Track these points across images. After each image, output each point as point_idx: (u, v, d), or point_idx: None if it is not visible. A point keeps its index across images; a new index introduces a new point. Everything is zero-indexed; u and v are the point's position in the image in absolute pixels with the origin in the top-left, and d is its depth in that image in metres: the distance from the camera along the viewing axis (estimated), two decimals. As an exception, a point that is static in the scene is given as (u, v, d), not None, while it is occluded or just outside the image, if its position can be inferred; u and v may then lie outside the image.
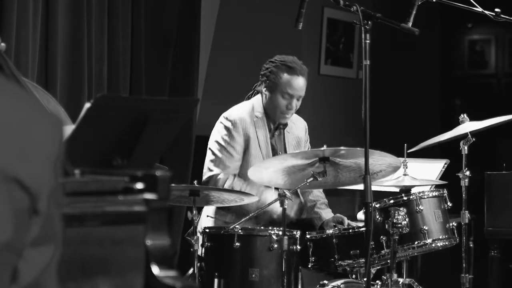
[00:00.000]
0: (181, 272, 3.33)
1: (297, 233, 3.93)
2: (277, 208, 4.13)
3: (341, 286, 3.96)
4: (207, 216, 4.46)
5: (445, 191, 4.13)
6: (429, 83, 7.80)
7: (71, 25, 4.80)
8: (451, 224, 4.07)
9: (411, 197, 4.01)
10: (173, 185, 3.76)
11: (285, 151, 4.57)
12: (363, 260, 3.83)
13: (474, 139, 4.25)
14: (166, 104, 2.80)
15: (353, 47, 7.15)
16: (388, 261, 3.91)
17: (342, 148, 3.89)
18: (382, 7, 6.43)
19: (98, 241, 2.13)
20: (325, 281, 4.02)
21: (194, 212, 3.92)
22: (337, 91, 7.07)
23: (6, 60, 3.00)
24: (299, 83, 4.51)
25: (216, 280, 3.89)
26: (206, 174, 4.49)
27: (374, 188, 3.65)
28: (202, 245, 3.94)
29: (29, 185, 1.33)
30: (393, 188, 4.40)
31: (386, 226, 3.87)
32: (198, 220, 4.23)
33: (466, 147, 4.26)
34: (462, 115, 4.37)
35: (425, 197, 4.04)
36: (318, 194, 4.66)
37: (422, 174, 4.44)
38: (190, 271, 3.96)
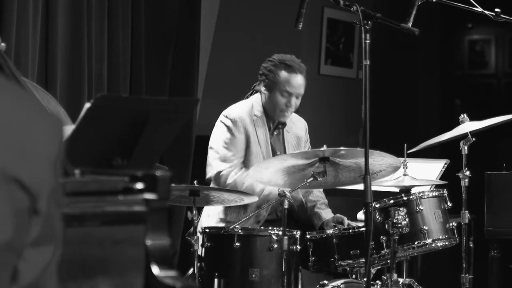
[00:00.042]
0: (181, 272, 3.33)
1: (297, 233, 3.93)
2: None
3: (341, 286, 3.96)
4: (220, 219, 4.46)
5: (445, 191, 4.13)
6: (429, 83, 7.80)
7: (71, 25, 4.80)
8: (451, 224, 4.07)
9: (411, 197, 4.01)
10: (173, 185, 3.76)
11: (284, 151, 4.57)
12: (363, 260, 3.83)
13: (474, 139, 4.25)
14: (166, 104, 2.80)
15: (353, 47, 7.15)
16: (388, 261, 3.91)
17: (342, 148, 3.89)
18: (382, 7, 6.43)
19: (98, 241, 2.13)
20: (325, 281, 4.02)
21: (194, 212, 3.92)
22: (337, 91, 7.07)
23: (6, 60, 3.00)
24: (298, 81, 4.51)
25: (216, 280, 3.89)
26: (211, 172, 4.47)
27: (374, 188, 3.65)
28: (202, 245, 3.94)
29: (29, 185, 1.33)
30: (393, 188, 4.40)
31: (386, 226, 3.87)
32: (198, 220, 4.23)
33: (466, 147, 4.26)
34: (462, 115, 4.37)
35: (425, 197, 4.04)
36: (318, 194, 4.66)
37: (422, 174, 4.44)
38: (190, 271, 3.96)
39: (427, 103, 7.78)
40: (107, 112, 2.44)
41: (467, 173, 4.23)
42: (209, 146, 4.55)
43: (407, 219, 3.89)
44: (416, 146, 4.46)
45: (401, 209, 3.90)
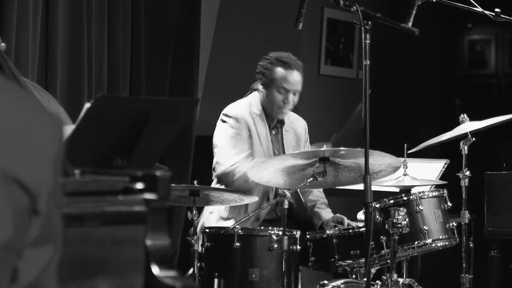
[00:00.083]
0: (181, 272, 3.33)
1: (297, 233, 3.93)
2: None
3: (341, 286, 3.96)
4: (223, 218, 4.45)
5: (445, 191, 4.13)
6: (429, 83, 7.80)
7: (71, 25, 4.80)
8: (451, 224, 4.07)
9: (411, 197, 4.01)
10: (173, 185, 3.76)
11: (283, 151, 4.57)
12: (363, 260, 3.83)
13: (474, 139, 4.25)
14: (166, 104, 2.80)
15: (353, 47, 7.15)
16: (388, 261, 3.91)
17: (342, 148, 3.89)
18: (382, 7, 6.43)
19: (98, 241, 2.13)
20: (325, 281, 4.02)
21: (194, 212, 3.92)
22: (337, 91, 7.07)
23: (6, 60, 3.00)
24: (295, 77, 4.52)
25: (216, 280, 3.88)
26: (220, 168, 4.44)
27: (374, 188, 3.65)
28: (202, 245, 3.94)
29: (29, 185, 1.33)
30: (393, 188, 4.40)
31: (386, 226, 3.87)
32: (199, 220, 4.23)
33: (466, 147, 4.26)
34: (462, 115, 4.37)
35: (425, 197, 4.04)
36: (318, 194, 4.66)
37: (422, 174, 4.44)
38: (190, 271, 3.96)
39: (427, 103, 7.78)
40: (107, 112, 2.44)
41: (467, 173, 4.23)
42: (213, 145, 4.54)
43: (407, 219, 3.89)
44: (416, 146, 4.46)
45: (401, 209, 3.90)
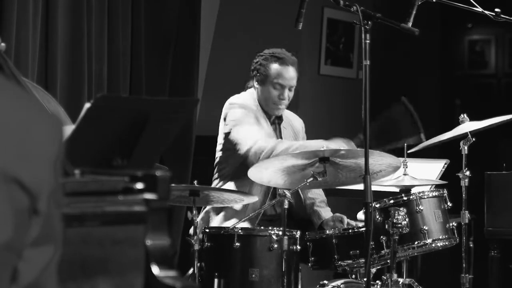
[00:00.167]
0: (181, 272, 3.33)
1: (297, 233, 3.93)
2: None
3: (341, 286, 3.96)
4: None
5: (445, 191, 4.13)
6: (429, 83, 7.80)
7: (71, 25, 4.80)
8: (451, 224, 4.07)
9: (411, 197, 4.01)
10: (173, 185, 3.76)
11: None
12: (363, 260, 3.83)
13: (474, 139, 4.25)
14: (166, 104, 2.80)
15: (353, 47, 7.15)
16: (388, 261, 3.91)
17: (342, 148, 3.89)
18: (382, 7, 6.43)
19: (98, 241, 2.13)
20: (325, 281, 4.02)
21: (194, 212, 3.93)
22: (337, 91, 7.07)
23: (6, 60, 3.00)
24: (290, 73, 4.52)
25: (216, 280, 3.89)
26: (245, 147, 4.39)
27: (374, 188, 3.65)
28: (202, 245, 3.94)
29: (29, 185, 1.33)
30: (393, 188, 4.40)
31: (386, 226, 3.87)
32: (197, 220, 4.23)
33: (466, 147, 4.26)
34: (462, 115, 4.37)
35: (425, 197, 4.04)
36: (316, 192, 4.67)
37: (422, 174, 4.44)
38: (190, 271, 3.96)
39: (427, 103, 7.77)
40: (107, 112, 2.44)
41: (467, 173, 4.23)
42: (226, 131, 4.48)
43: (407, 219, 3.89)
44: (417, 146, 4.46)
45: (401, 209, 3.90)
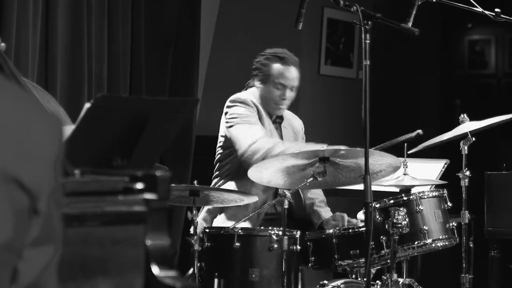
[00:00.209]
0: (181, 272, 3.33)
1: (297, 233, 3.93)
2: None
3: (341, 286, 3.96)
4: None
5: (445, 191, 4.13)
6: (429, 83, 7.80)
7: (71, 25, 4.80)
8: (451, 224, 4.07)
9: (411, 197, 4.01)
10: (173, 185, 3.76)
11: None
12: (363, 260, 3.83)
13: (474, 139, 4.25)
14: (166, 104, 2.80)
15: (353, 47, 7.15)
16: (388, 261, 3.91)
17: (342, 148, 3.89)
18: (382, 7, 6.43)
19: (98, 241, 2.13)
20: (325, 281, 4.01)
21: (194, 212, 3.93)
22: (337, 91, 7.07)
23: (6, 60, 3.00)
24: (292, 73, 4.52)
25: (216, 280, 3.88)
26: (243, 146, 4.37)
27: (374, 188, 3.65)
28: (202, 245, 3.93)
29: (29, 185, 1.33)
30: (393, 188, 4.40)
31: (386, 226, 3.87)
32: (197, 220, 4.23)
33: (466, 147, 4.26)
34: (462, 115, 4.37)
35: (425, 197, 4.04)
36: (316, 192, 4.66)
37: (422, 174, 4.44)
38: (190, 271, 3.96)
39: (427, 103, 7.78)
40: (107, 112, 2.44)
41: (467, 173, 4.23)
42: (227, 126, 4.48)
43: (407, 219, 3.89)
44: (416, 146, 4.46)
45: (401, 209, 3.89)
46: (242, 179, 4.36)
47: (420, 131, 4.47)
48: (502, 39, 7.93)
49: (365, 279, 3.61)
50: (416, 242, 3.97)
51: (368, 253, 3.48)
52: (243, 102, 4.47)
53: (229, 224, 4.32)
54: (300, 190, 4.56)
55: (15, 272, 1.35)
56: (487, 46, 7.99)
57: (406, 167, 4.09)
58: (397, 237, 3.84)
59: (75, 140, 2.35)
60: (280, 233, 3.87)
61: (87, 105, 2.37)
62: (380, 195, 4.20)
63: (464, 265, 4.28)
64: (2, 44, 3.00)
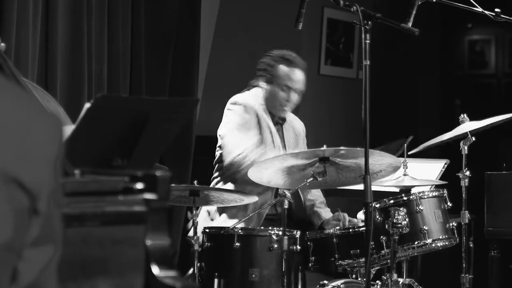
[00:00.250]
0: (181, 272, 3.33)
1: (297, 233, 3.93)
2: None
3: (341, 286, 3.96)
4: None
5: (445, 191, 4.13)
6: (429, 83, 7.80)
7: (71, 25, 4.80)
8: (451, 224, 4.07)
9: (411, 197, 4.01)
10: (173, 185, 3.76)
11: (284, 147, 4.57)
12: (363, 260, 3.83)
13: (474, 139, 4.25)
14: (166, 104, 2.80)
15: (353, 47, 7.15)
16: (388, 261, 3.91)
17: (342, 148, 3.89)
18: (382, 7, 6.43)
19: (98, 241, 2.13)
20: (325, 281, 4.01)
21: (194, 212, 3.92)
22: (337, 91, 7.07)
23: (6, 60, 3.00)
24: (298, 76, 4.52)
25: (216, 280, 3.88)
26: (229, 157, 4.41)
27: (374, 188, 3.65)
28: (202, 245, 3.93)
29: (29, 185, 1.33)
30: (393, 188, 4.40)
31: (386, 226, 3.87)
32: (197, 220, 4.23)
33: (466, 147, 4.26)
34: (462, 115, 4.37)
35: (425, 197, 4.04)
36: (316, 193, 4.66)
37: (422, 174, 4.44)
38: (190, 271, 3.96)
39: (427, 103, 7.77)
40: (107, 112, 2.44)
41: (467, 173, 4.23)
42: (220, 136, 4.50)
43: (407, 219, 3.89)
44: (416, 146, 4.46)
45: (401, 209, 3.89)
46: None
47: (411, 136, 4.47)
48: (502, 39, 7.93)
49: (365, 279, 3.61)
50: (416, 242, 3.97)
51: (368, 253, 3.48)
52: (242, 106, 4.46)
53: (230, 223, 4.32)
54: (300, 192, 4.57)
55: (15, 272, 1.35)
56: (487, 46, 7.99)
57: (406, 167, 4.09)
58: (397, 237, 3.84)
59: (75, 140, 2.35)
60: (280, 233, 3.87)
61: (87, 105, 2.37)
62: (380, 195, 4.20)
63: (464, 265, 4.28)
64: (2, 44, 3.00)
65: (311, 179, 3.87)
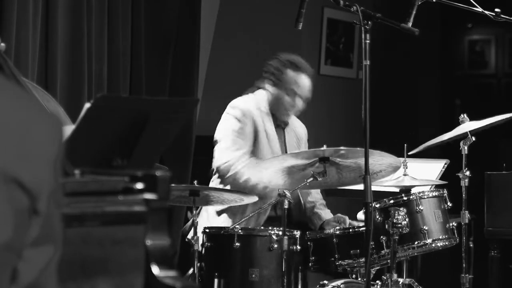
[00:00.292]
0: (181, 272, 3.33)
1: (297, 233, 3.93)
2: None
3: (341, 286, 3.96)
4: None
5: (445, 191, 4.13)
6: (429, 83, 7.80)
7: (71, 25, 4.80)
8: (451, 224, 4.07)
9: (411, 197, 4.01)
10: (173, 185, 3.76)
11: (286, 151, 4.57)
12: (363, 260, 3.83)
13: (474, 139, 4.25)
14: (166, 104, 2.80)
15: (353, 47, 7.15)
16: (388, 261, 3.91)
17: (342, 148, 3.89)
18: (382, 7, 6.43)
19: (98, 241, 2.13)
20: (325, 281, 4.01)
21: (194, 212, 3.92)
22: (337, 91, 7.07)
23: (6, 60, 3.00)
24: (305, 81, 4.52)
25: (216, 280, 3.88)
26: (216, 163, 4.44)
27: (374, 188, 3.65)
28: (202, 245, 3.93)
29: (29, 185, 1.33)
30: (393, 188, 4.40)
31: (386, 226, 3.87)
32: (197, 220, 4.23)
33: (466, 147, 4.26)
34: (462, 115, 4.37)
35: (425, 197, 4.04)
36: (316, 196, 4.67)
37: (422, 174, 4.44)
38: (190, 271, 3.96)
39: (427, 103, 7.77)
40: (107, 112, 2.44)
41: (467, 173, 4.23)
42: (214, 140, 4.52)
43: (407, 219, 3.88)
44: (416, 146, 4.46)
45: (401, 209, 3.89)
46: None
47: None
48: (502, 39, 7.93)
49: (365, 279, 3.60)
50: (416, 242, 3.97)
51: (368, 253, 3.48)
52: (240, 112, 4.46)
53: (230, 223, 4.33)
54: (300, 195, 4.57)
55: (15, 272, 1.35)
56: (487, 46, 7.99)
57: (406, 167, 4.09)
58: (397, 237, 3.84)
59: (75, 140, 2.35)
60: (280, 233, 3.87)
61: (87, 105, 2.37)
62: (380, 195, 4.20)
63: (464, 265, 4.28)
64: (2, 44, 3.00)
65: (311, 179, 3.87)
